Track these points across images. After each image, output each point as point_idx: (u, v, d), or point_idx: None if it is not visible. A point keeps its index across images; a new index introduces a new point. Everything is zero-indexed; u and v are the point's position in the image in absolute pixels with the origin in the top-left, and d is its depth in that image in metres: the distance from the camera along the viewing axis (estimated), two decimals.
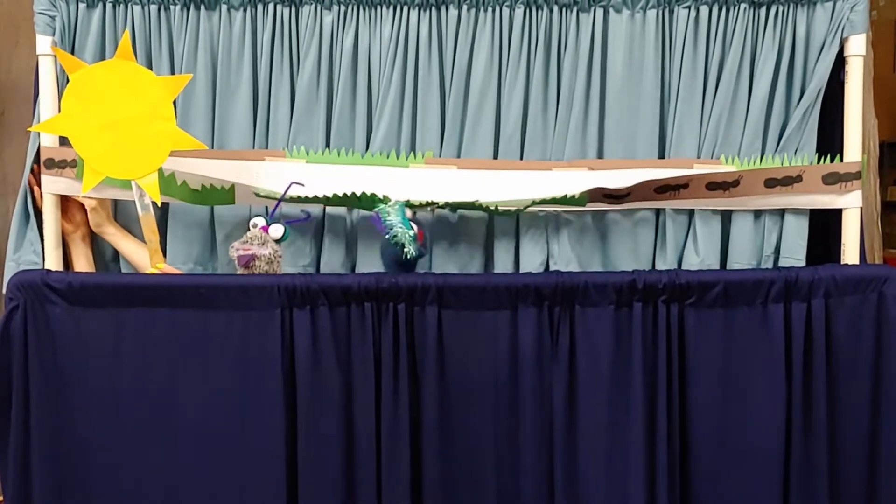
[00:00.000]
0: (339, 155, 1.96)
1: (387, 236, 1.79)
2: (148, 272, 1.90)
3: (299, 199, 1.90)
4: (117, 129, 1.79)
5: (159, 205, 1.85)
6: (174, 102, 1.95)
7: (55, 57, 1.91)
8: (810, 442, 1.83)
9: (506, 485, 1.84)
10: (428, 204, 1.87)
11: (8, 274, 1.87)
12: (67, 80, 1.91)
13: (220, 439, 1.80)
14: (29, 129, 1.89)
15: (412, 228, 1.80)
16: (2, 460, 1.82)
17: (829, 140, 1.98)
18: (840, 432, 1.85)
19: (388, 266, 1.86)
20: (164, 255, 2.01)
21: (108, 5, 1.93)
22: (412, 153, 1.97)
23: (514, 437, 1.83)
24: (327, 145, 1.98)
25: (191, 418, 1.80)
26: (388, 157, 1.96)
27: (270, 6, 1.93)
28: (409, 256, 1.79)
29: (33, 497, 1.81)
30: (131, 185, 1.84)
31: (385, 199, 1.86)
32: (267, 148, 1.98)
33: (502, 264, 2.00)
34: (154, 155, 1.80)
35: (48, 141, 1.92)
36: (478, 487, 1.84)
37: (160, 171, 1.87)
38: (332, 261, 1.98)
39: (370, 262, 1.96)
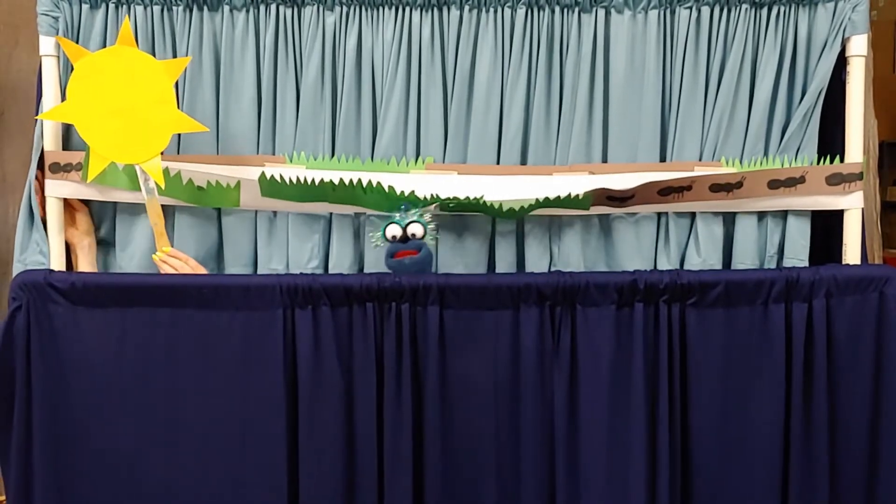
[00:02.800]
0: (339, 161, 1.96)
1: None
2: (153, 257, 1.92)
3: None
4: (121, 114, 1.82)
5: (163, 187, 1.86)
6: (180, 102, 1.96)
7: (58, 58, 1.92)
8: (810, 441, 1.84)
9: (507, 484, 1.84)
10: (433, 199, 1.87)
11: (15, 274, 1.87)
12: (67, 83, 1.92)
13: (221, 439, 1.81)
14: (37, 118, 1.89)
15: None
16: (4, 459, 1.83)
17: (830, 140, 1.98)
18: (840, 432, 1.86)
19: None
20: None
21: (111, 6, 1.92)
22: (413, 159, 1.97)
23: (515, 437, 1.83)
24: (333, 147, 1.98)
25: (192, 418, 1.81)
26: (388, 164, 1.96)
27: (272, 7, 1.93)
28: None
29: (35, 496, 1.81)
30: (136, 172, 1.86)
31: (391, 192, 1.86)
32: (273, 148, 1.98)
33: (506, 264, 2.00)
34: (157, 139, 1.83)
35: (51, 145, 1.92)
36: (479, 487, 1.84)
37: (166, 170, 1.87)
38: (341, 262, 1.98)
39: (379, 263, 1.96)
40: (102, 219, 2.03)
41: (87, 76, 1.82)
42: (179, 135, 1.95)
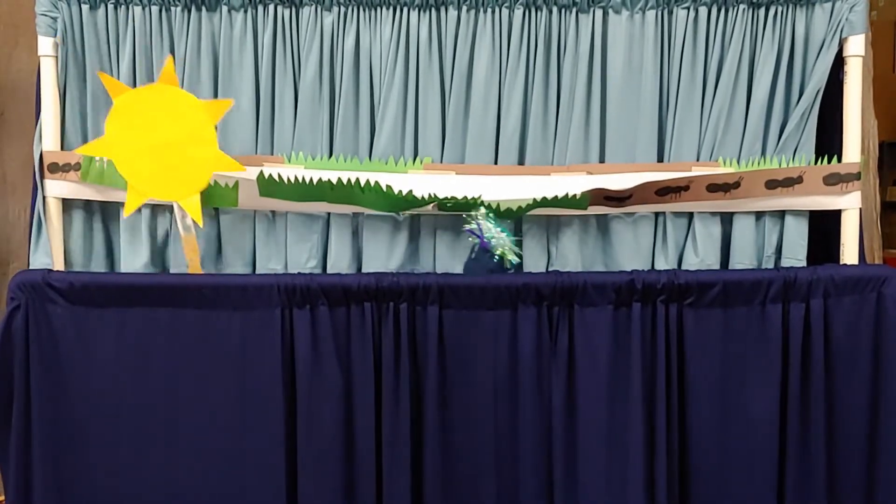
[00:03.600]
0: (337, 161, 1.97)
1: (489, 248, 1.81)
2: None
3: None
4: (160, 151, 1.83)
5: (202, 227, 1.88)
6: None
7: (56, 58, 1.92)
8: (808, 441, 1.84)
9: (506, 483, 1.85)
10: (431, 199, 1.87)
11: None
12: (67, 81, 1.93)
13: (220, 439, 1.82)
14: (76, 151, 1.90)
15: (512, 235, 1.83)
16: (3, 459, 1.84)
17: (829, 140, 1.98)
18: (838, 432, 1.86)
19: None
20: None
21: (110, 7, 1.93)
22: (411, 159, 1.97)
23: (513, 436, 1.84)
24: (331, 147, 1.99)
25: (191, 418, 1.82)
26: (386, 164, 1.96)
27: (271, 7, 1.93)
28: (510, 266, 1.82)
29: (34, 496, 1.82)
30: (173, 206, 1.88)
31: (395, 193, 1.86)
32: (272, 148, 1.98)
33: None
34: (196, 177, 1.84)
35: (50, 145, 1.93)
36: (478, 486, 1.85)
37: None
38: (339, 262, 1.98)
39: (376, 263, 1.97)
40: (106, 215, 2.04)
41: (127, 112, 1.83)
42: None
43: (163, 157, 1.83)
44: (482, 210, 1.84)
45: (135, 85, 1.93)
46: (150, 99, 1.83)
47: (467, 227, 1.85)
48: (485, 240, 1.81)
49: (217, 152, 1.84)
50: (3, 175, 2.41)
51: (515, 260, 1.81)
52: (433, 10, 1.94)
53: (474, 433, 1.84)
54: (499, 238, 1.80)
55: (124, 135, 1.83)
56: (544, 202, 1.88)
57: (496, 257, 1.80)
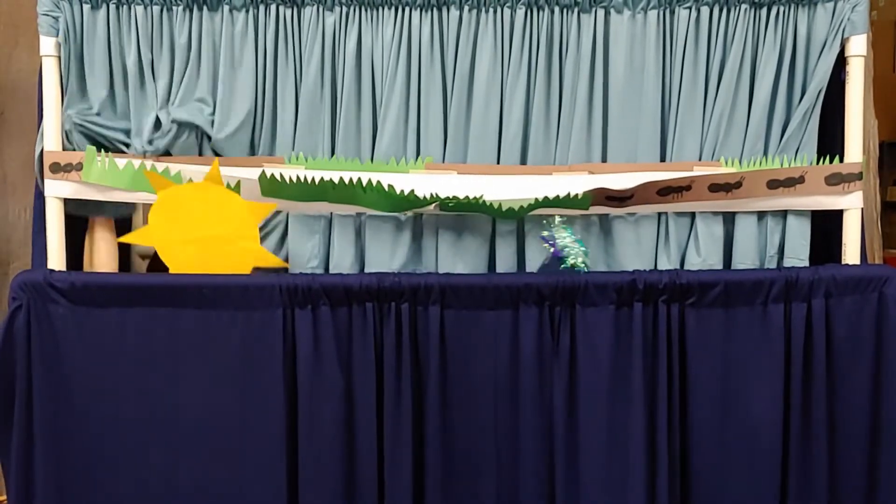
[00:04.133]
0: (338, 161, 1.97)
1: (562, 256, 1.83)
2: None
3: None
4: (203, 244, 1.87)
5: None
6: (174, 98, 1.96)
7: (58, 58, 1.92)
8: (810, 441, 1.84)
9: (506, 483, 1.85)
10: (432, 199, 1.87)
11: None
12: (68, 83, 1.93)
13: (221, 439, 1.82)
14: (120, 240, 1.94)
15: (584, 245, 1.85)
16: (5, 459, 1.84)
17: (830, 140, 1.98)
18: (839, 432, 1.86)
19: None
20: None
21: (112, 6, 1.92)
22: (413, 159, 1.97)
23: (514, 436, 1.84)
24: (333, 147, 1.99)
25: (192, 418, 1.81)
26: (387, 164, 1.96)
27: (272, 7, 1.93)
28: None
29: (36, 495, 1.82)
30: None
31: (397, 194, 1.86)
32: (273, 149, 1.98)
33: (506, 264, 2.00)
34: (237, 269, 1.87)
35: (52, 144, 1.92)
36: (479, 486, 1.85)
37: (166, 170, 1.89)
38: (342, 262, 1.98)
39: (379, 263, 1.96)
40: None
41: (170, 205, 1.87)
42: (177, 136, 1.95)
43: (205, 250, 1.87)
44: (557, 219, 1.87)
45: (142, 83, 1.94)
46: (195, 195, 1.87)
47: (542, 234, 1.88)
48: (558, 249, 1.83)
49: (259, 248, 1.89)
50: (3, 175, 2.41)
51: (585, 270, 1.83)
52: (435, 9, 1.94)
53: (475, 433, 1.84)
54: (571, 247, 1.83)
55: (168, 226, 1.87)
56: (546, 202, 1.88)
57: (567, 265, 1.82)
